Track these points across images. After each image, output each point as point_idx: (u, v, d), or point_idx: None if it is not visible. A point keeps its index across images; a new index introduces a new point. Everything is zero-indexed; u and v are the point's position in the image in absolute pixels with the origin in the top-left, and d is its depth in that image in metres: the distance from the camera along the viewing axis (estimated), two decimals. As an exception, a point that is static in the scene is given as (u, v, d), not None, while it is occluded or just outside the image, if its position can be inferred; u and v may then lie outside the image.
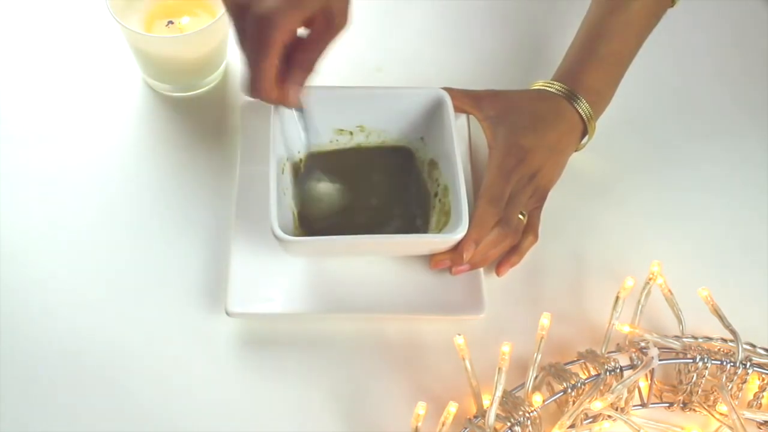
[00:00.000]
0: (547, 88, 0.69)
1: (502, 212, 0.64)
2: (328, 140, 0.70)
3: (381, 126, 0.70)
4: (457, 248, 0.62)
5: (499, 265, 0.67)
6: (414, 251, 0.66)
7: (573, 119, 0.68)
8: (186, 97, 0.76)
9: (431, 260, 0.64)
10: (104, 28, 0.77)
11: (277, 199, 0.61)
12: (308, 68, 0.58)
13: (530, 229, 0.67)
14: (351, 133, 0.70)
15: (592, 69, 0.69)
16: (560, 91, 0.69)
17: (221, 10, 0.70)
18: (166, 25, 0.72)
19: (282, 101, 0.59)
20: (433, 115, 0.68)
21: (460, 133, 0.72)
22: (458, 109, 0.68)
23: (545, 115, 0.68)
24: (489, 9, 0.85)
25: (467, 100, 0.69)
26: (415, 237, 0.65)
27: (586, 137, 0.70)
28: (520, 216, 0.66)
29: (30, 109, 0.75)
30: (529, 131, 0.67)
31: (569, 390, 0.60)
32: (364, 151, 0.70)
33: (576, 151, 0.71)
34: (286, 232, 0.60)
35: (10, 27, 0.79)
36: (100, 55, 0.78)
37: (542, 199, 0.68)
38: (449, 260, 0.63)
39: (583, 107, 0.68)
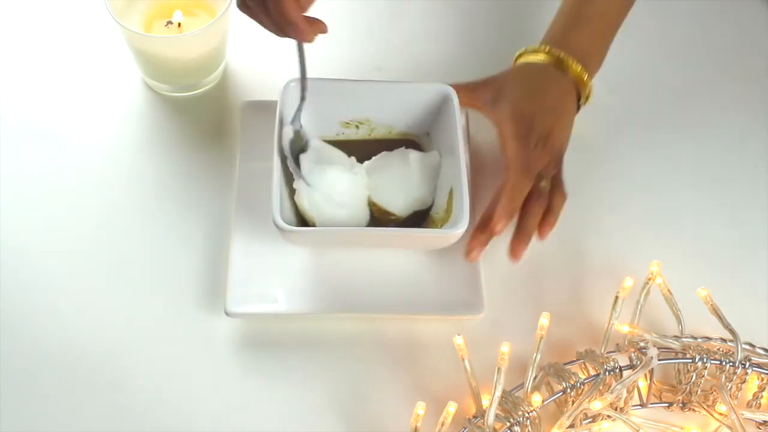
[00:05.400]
0: (532, 60, 0.71)
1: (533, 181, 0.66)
2: (334, 132, 0.70)
3: (387, 120, 0.70)
4: (487, 224, 0.63)
5: (541, 229, 0.67)
6: (414, 245, 0.66)
7: (563, 81, 0.70)
8: (185, 97, 0.76)
9: (467, 252, 0.64)
10: (103, 29, 0.77)
11: (280, 189, 0.61)
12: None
13: (556, 190, 0.68)
14: (357, 127, 0.70)
15: (577, 30, 0.71)
16: (546, 59, 0.70)
17: (221, 10, 0.70)
18: (165, 25, 0.72)
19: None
20: (439, 110, 0.68)
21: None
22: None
23: (536, 83, 0.70)
24: (489, 9, 0.84)
25: (464, 94, 0.69)
26: (415, 231, 0.65)
27: (583, 98, 0.71)
28: (543, 183, 0.67)
29: (30, 109, 0.75)
30: (527, 99, 0.69)
31: (568, 390, 0.60)
32: (369, 144, 0.70)
33: (578, 111, 0.71)
34: (287, 222, 0.60)
35: (9, 27, 0.79)
36: (99, 55, 0.78)
37: (559, 162, 0.69)
38: (480, 241, 0.64)
39: (573, 67, 0.70)
